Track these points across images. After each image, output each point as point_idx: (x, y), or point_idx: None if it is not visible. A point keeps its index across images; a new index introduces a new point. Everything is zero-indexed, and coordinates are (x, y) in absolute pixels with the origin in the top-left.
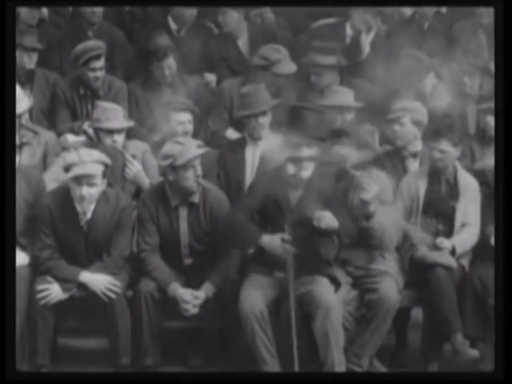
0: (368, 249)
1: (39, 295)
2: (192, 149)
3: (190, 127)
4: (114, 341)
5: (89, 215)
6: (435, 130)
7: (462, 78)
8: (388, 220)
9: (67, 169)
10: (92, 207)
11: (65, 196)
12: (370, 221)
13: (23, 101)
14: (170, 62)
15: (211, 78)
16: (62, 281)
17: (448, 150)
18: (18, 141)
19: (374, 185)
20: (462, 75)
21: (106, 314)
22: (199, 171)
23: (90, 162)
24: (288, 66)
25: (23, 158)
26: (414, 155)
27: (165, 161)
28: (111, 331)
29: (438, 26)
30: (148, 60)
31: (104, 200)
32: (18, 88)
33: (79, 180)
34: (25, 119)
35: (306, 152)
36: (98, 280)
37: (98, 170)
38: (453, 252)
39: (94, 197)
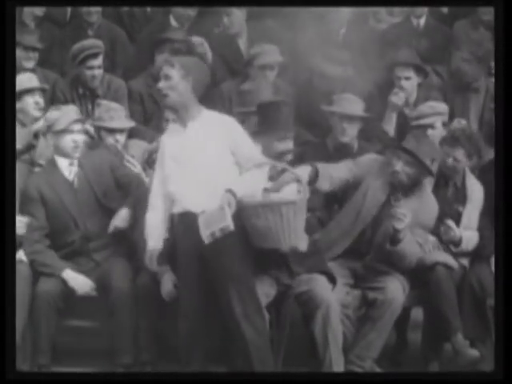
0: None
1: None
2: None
3: None
4: (114, 338)
5: (75, 168)
6: (454, 136)
7: (464, 74)
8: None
9: (49, 127)
10: (76, 161)
11: (50, 165)
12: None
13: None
14: None
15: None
16: (43, 267)
17: (462, 160)
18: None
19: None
20: (463, 71)
21: (107, 311)
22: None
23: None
24: (269, 57)
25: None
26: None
27: None
28: (112, 328)
29: (435, 24)
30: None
31: (90, 155)
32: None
33: (67, 130)
34: (35, 100)
35: (281, 146)
36: (80, 279)
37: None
38: (458, 243)
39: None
